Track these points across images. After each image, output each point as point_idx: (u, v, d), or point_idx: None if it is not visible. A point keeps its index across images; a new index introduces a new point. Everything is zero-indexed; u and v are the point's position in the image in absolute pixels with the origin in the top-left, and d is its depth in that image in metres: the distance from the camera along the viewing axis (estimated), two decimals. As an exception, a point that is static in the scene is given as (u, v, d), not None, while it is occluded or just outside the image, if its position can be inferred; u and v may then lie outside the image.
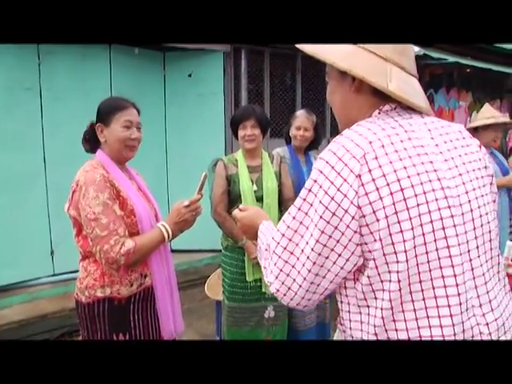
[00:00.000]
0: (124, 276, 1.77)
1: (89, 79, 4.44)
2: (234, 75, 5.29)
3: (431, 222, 0.95)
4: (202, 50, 4.97)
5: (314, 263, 1.01)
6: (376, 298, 1.00)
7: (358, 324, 1.05)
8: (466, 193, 1.02)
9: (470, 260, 1.00)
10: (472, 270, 1.01)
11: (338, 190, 0.95)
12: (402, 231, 0.94)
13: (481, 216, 1.03)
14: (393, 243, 0.95)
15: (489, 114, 3.42)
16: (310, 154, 3.13)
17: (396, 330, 0.98)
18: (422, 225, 0.94)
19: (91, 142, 1.87)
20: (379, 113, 1.07)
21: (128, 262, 1.71)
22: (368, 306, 1.02)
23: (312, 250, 1.00)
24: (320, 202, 0.98)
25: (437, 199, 0.96)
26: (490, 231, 1.05)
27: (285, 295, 1.07)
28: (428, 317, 0.97)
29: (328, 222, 0.97)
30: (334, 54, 1.06)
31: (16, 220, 4.13)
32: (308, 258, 1.01)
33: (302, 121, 3.00)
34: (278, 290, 1.08)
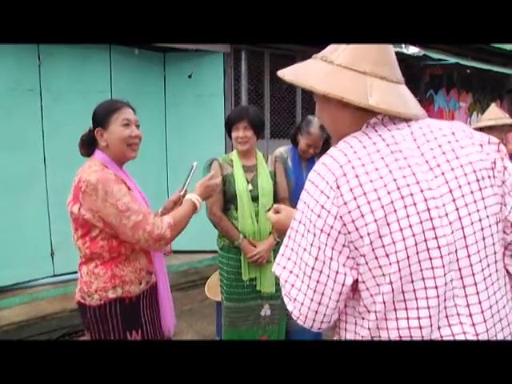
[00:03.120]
0: (134, 275, 1.81)
1: (89, 80, 4.44)
2: (234, 76, 5.30)
3: (413, 235, 0.95)
4: (202, 50, 4.98)
5: (312, 279, 1.03)
6: (369, 312, 1.02)
7: (352, 334, 1.07)
8: (453, 200, 0.99)
9: (460, 269, 0.99)
10: (461, 278, 0.99)
11: (323, 207, 0.99)
12: (383, 246, 0.96)
13: (472, 223, 0.99)
14: (376, 258, 0.97)
15: (492, 115, 3.43)
16: (314, 160, 3.00)
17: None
18: (404, 239, 0.95)
19: (88, 147, 1.87)
20: (367, 126, 1.06)
21: (173, 235, 1.75)
22: (363, 318, 1.04)
23: (309, 266, 1.03)
24: (309, 219, 1.02)
25: (418, 212, 0.96)
26: (483, 238, 1.01)
27: (298, 318, 1.07)
28: (409, 328, 0.98)
29: (318, 238, 1.00)
30: (312, 78, 1.07)
31: (16, 221, 4.13)
32: (309, 276, 1.03)
33: (314, 140, 2.90)
34: (292, 313, 1.08)
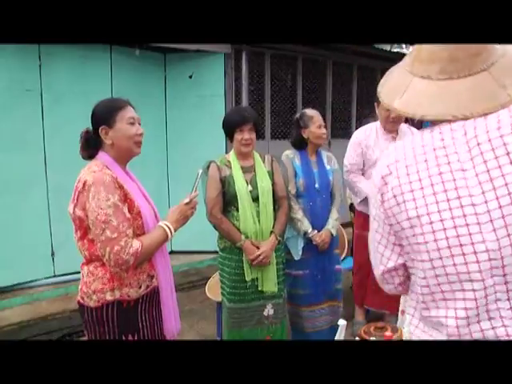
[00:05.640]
0: (133, 278, 1.79)
1: (89, 81, 4.45)
2: (234, 77, 5.30)
3: (446, 238, 0.98)
4: (202, 51, 4.98)
5: (373, 256, 1.21)
6: (412, 299, 1.15)
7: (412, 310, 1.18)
8: (500, 207, 0.95)
9: (504, 275, 0.98)
10: (506, 283, 0.98)
11: (376, 198, 1.11)
12: (418, 243, 1.03)
13: None
14: (413, 252, 1.06)
15: None
16: (321, 153, 3.13)
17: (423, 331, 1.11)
18: (436, 240, 1.00)
19: (91, 148, 1.84)
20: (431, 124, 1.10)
21: (136, 262, 1.72)
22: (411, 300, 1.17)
23: (372, 245, 1.19)
24: (372, 206, 1.16)
25: (453, 217, 0.98)
26: None
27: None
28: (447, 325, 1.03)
29: (378, 222, 1.14)
30: (384, 83, 1.17)
31: (16, 221, 4.13)
32: (372, 252, 1.20)
33: (320, 119, 3.02)
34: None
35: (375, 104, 3.30)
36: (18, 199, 4.13)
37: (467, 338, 1.01)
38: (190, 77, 5.14)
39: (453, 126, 1.03)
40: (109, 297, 1.75)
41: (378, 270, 1.21)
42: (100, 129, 1.79)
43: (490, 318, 1.00)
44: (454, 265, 0.99)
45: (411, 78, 1.08)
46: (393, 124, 3.22)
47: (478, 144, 0.99)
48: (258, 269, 2.67)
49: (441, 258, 1.00)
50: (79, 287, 1.84)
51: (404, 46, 6.44)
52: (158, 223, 1.86)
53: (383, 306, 3.31)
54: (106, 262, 1.71)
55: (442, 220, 0.98)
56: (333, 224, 3.03)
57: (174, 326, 1.96)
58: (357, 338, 1.40)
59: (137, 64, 4.85)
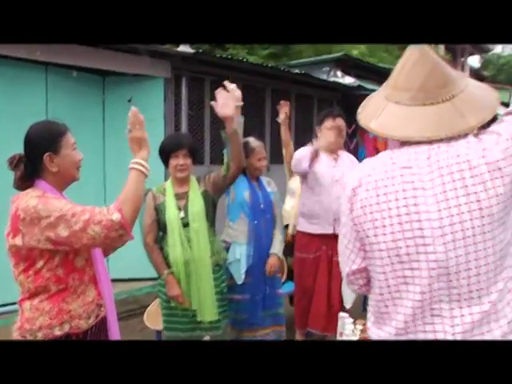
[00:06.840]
0: (82, 309, 1.73)
1: (23, 102, 4.28)
2: (174, 101, 5.30)
3: (407, 247, 1.14)
4: (141, 75, 4.96)
5: (341, 259, 1.35)
6: (371, 299, 1.31)
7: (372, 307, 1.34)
8: (451, 225, 1.09)
9: (449, 281, 1.11)
10: (449, 288, 1.12)
11: (346, 207, 1.26)
12: (374, 250, 1.21)
13: (475, 243, 1.08)
14: (375, 257, 1.21)
15: None
16: (260, 178, 3.19)
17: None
18: (388, 249, 1.16)
19: (29, 177, 1.72)
20: (400, 145, 1.22)
21: (124, 215, 1.60)
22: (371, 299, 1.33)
23: (342, 243, 1.33)
24: (343, 210, 1.31)
25: (413, 229, 1.12)
26: (486, 256, 1.09)
27: None
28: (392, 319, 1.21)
29: (346, 228, 1.29)
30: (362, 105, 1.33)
31: None
32: (341, 246, 1.34)
33: (261, 152, 3.09)
34: None
35: (317, 128, 3.38)
36: None
37: (412, 332, 1.17)
38: (129, 100, 5.07)
39: (418, 149, 1.16)
40: (57, 332, 1.67)
41: (344, 272, 1.34)
42: (45, 156, 1.70)
43: (432, 315, 1.14)
44: (411, 269, 1.14)
45: (387, 103, 1.22)
46: (338, 139, 3.25)
47: (439, 168, 1.12)
48: (194, 300, 2.63)
49: (401, 263, 1.15)
50: (17, 325, 1.71)
51: (340, 75, 6.71)
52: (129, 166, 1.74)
53: (325, 329, 3.36)
54: (100, 240, 1.59)
55: (402, 231, 1.13)
56: (279, 248, 3.07)
57: None
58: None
59: (74, 86, 4.74)
